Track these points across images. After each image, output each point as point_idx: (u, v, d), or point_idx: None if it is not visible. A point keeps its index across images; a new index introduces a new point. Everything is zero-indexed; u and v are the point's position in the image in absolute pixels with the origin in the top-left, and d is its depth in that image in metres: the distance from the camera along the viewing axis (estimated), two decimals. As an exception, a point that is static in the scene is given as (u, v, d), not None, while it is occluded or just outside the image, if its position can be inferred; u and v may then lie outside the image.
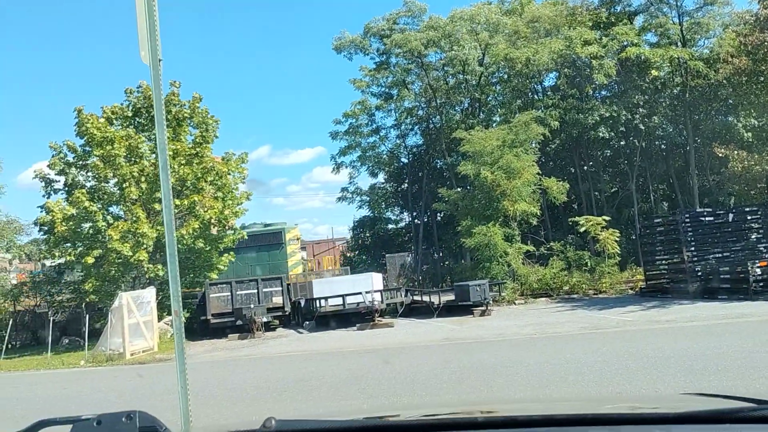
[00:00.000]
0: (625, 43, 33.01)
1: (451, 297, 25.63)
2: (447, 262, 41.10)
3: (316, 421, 1.64)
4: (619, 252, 29.86)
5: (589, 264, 30.42)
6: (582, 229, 30.64)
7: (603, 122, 33.70)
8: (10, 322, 25.08)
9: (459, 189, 34.76)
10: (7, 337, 24.35)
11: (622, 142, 38.13)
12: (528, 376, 11.51)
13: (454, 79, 39.61)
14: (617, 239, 29.84)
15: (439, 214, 39.98)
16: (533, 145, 32.68)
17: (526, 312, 24.26)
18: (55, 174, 26.70)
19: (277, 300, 26.31)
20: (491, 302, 24.79)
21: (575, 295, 28.18)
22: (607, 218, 30.69)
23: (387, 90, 41.54)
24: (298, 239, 35.47)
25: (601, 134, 33.99)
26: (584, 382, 10.34)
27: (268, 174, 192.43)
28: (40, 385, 17.08)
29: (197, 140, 26.86)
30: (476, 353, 15.46)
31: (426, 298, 26.55)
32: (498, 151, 29.50)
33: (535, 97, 37.66)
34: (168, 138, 24.86)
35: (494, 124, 36.70)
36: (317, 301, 25.32)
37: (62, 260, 27.13)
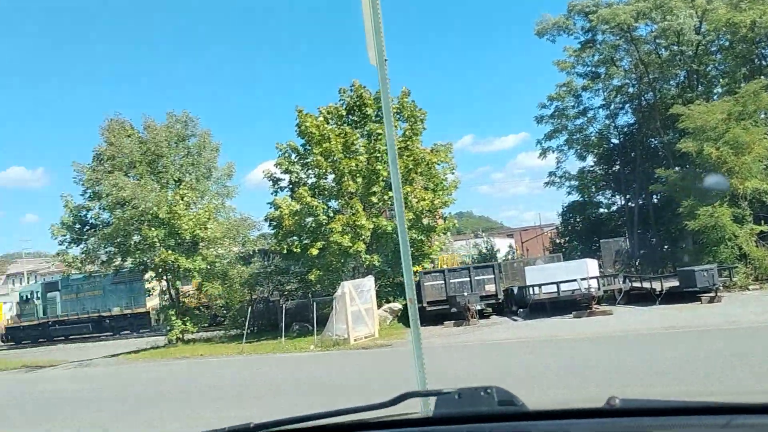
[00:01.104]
0: None
1: (674, 283, 24.16)
2: (666, 247, 38.71)
3: (659, 401, 1.69)
4: None
5: (840, 244, 27.11)
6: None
7: None
8: (249, 310, 27.61)
9: (677, 168, 32.57)
10: (247, 323, 26.86)
11: None
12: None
13: (668, 51, 37.10)
14: None
15: (655, 196, 37.76)
16: (764, 116, 29.71)
17: (762, 298, 22.23)
18: (281, 172, 28.96)
19: (490, 288, 26.42)
20: (721, 288, 23.05)
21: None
22: None
23: (593, 69, 39.90)
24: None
25: None
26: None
27: (472, 163, 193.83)
28: (281, 368, 18.66)
29: (407, 133, 27.67)
30: (708, 342, 14.51)
31: (646, 285, 25.26)
32: (723, 125, 27.16)
33: (763, 63, 34.16)
34: (380, 133, 26.01)
35: (715, 97, 33.88)
36: (530, 289, 25.10)
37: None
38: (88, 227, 30.06)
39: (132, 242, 29.09)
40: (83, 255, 30.35)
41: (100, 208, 29.77)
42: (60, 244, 30.54)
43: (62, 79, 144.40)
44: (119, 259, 30.31)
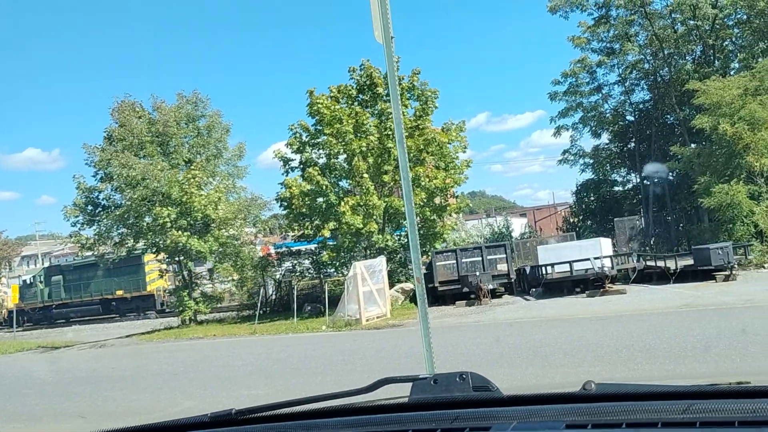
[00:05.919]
0: None
1: (689, 261, 23.95)
2: (681, 225, 38.39)
3: (634, 384, 1.64)
4: None
5: None
6: None
7: None
8: (261, 291, 27.70)
9: (693, 145, 32.23)
10: (259, 305, 26.93)
11: None
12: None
13: (684, 26, 36.41)
14: None
15: (671, 174, 37.38)
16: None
17: (778, 277, 22.00)
18: (292, 153, 28.85)
19: (502, 267, 26.30)
20: (736, 266, 22.80)
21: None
22: None
23: (608, 45, 39.19)
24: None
25: None
26: None
27: (486, 142, 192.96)
28: (292, 348, 18.69)
29: (417, 113, 27.47)
30: (722, 320, 14.32)
31: (660, 263, 25.04)
32: (739, 100, 26.74)
33: (782, 36, 33.48)
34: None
35: (732, 72, 33.37)
36: (543, 268, 24.96)
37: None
38: (100, 209, 30.12)
39: (144, 223, 29.17)
40: (96, 236, 30.50)
41: (111, 190, 29.81)
42: (73, 226, 30.64)
43: (78, 62, 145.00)
44: (131, 240, 30.45)
